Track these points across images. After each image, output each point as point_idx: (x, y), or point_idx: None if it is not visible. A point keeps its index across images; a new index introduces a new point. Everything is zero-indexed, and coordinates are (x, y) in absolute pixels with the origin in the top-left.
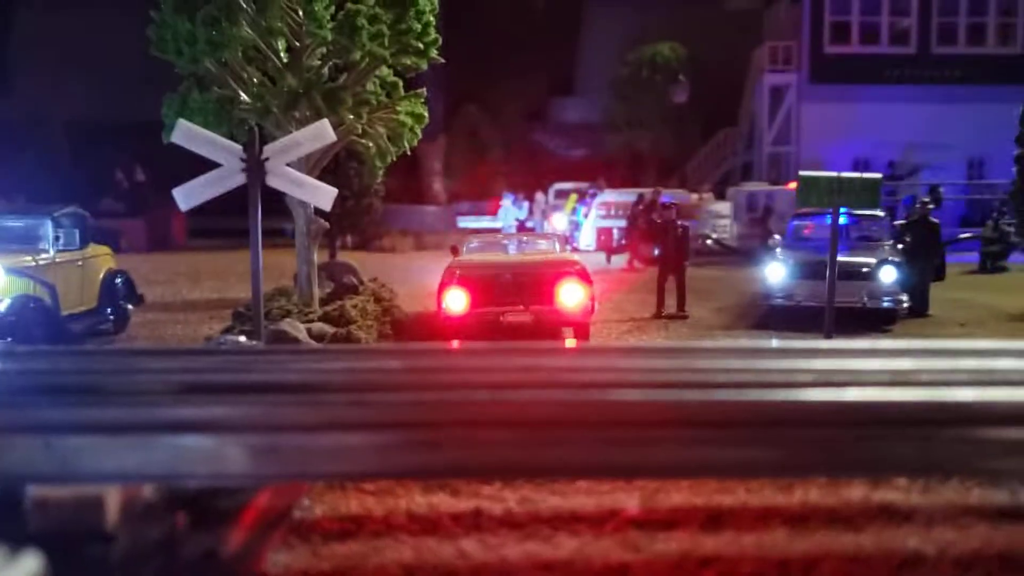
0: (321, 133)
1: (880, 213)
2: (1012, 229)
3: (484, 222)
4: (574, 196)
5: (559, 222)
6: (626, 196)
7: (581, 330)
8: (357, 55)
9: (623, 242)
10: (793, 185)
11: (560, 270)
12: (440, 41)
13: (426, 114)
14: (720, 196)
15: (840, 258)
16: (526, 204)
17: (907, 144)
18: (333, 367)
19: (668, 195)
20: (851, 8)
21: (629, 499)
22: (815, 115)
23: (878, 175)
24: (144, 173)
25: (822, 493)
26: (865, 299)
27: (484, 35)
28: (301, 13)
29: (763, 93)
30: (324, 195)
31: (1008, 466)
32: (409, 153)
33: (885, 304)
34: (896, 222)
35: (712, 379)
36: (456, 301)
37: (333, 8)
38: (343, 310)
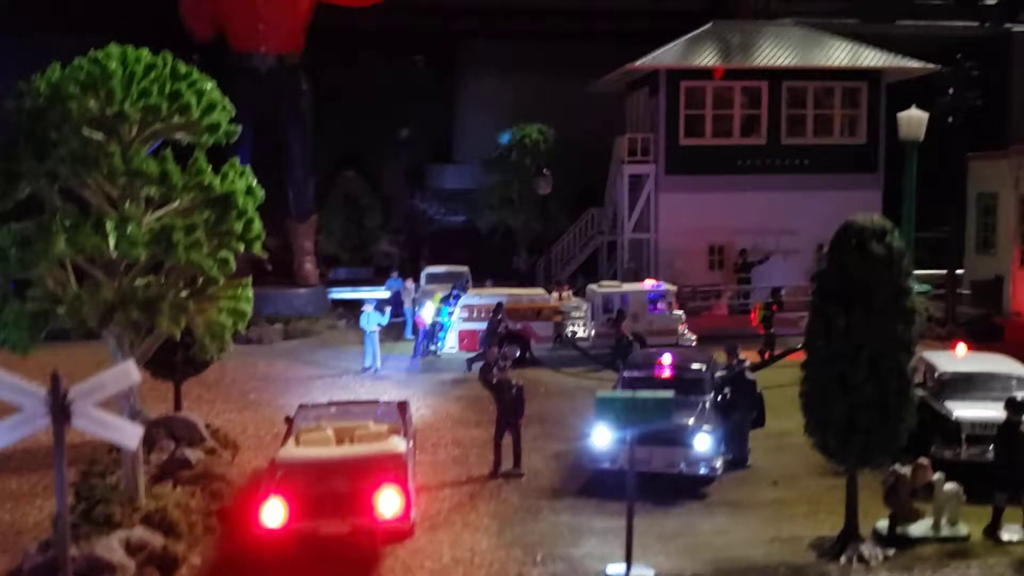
0: (126, 374)
1: (702, 367)
2: None
3: (360, 293)
4: (438, 296)
5: (427, 314)
6: (488, 300)
7: (402, 534)
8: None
9: (482, 350)
10: (649, 283)
11: (378, 479)
12: (264, 235)
13: (249, 310)
14: (579, 294)
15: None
16: (389, 309)
17: (758, 230)
18: None
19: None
20: (704, 102)
21: None
22: (672, 204)
23: (669, 393)
24: None
25: None
26: (682, 466)
27: (363, 100)
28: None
29: (623, 182)
30: (130, 435)
31: None
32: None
33: (702, 471)
34: (717, 374)
35: None
36: (273, 516)
37: (150, 217)
38: (165, 513)
